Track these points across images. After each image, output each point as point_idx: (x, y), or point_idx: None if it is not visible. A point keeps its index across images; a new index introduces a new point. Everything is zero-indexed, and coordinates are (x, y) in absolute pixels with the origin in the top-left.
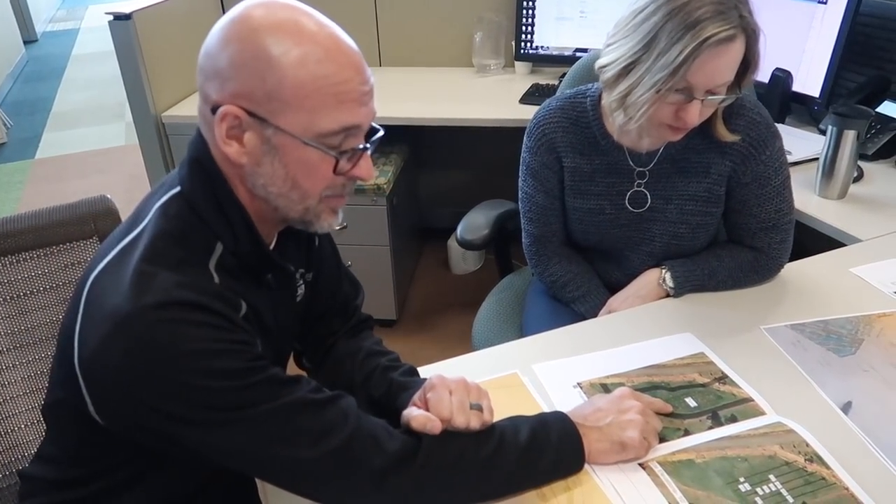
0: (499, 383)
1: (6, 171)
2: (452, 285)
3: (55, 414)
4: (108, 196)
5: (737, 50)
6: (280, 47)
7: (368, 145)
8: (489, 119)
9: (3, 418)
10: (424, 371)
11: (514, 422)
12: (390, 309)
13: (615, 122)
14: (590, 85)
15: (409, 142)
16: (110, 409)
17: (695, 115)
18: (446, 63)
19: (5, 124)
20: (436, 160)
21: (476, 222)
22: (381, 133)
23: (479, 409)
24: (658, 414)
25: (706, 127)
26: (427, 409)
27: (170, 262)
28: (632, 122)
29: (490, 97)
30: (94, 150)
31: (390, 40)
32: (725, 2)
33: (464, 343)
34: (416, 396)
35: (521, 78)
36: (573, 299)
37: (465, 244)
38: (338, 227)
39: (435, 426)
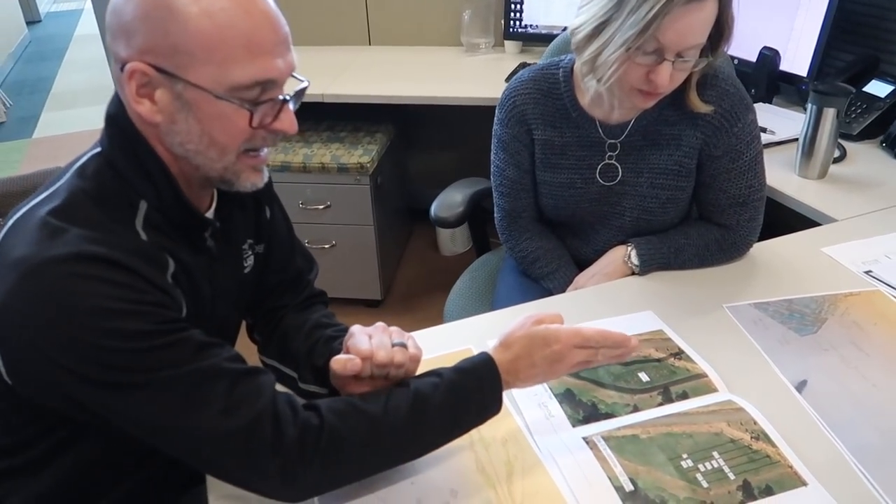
0: (451, 358)
1: (3, 151)
2: (441, 266)
3: None
4: (63, 167)
5: (709, 9)
6: None
7: (288, 96)
8: (477, 98)
9: None
10: None
11: (431, 379)
12: (375, 289)
13: (587, 89)
14: (563, 56)
15: (398, 122)
16: (18, 367)
17: (665, 76)
18: (436, 42)
19: (4, 104)
20: (426, 141)
21: (451, 200)
22: (304, 84)
23: (403, 346)
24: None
25: (678, 98)
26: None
27: (83, 220)
28: (601, 83)
29: (479, 76)
30: (91, 130)
31: (380, 19)
32: None
33: None
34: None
35: (511, 57)
36: (542, 275)
37: (439, 222)
38: (262, 185)
39: (355, 364)
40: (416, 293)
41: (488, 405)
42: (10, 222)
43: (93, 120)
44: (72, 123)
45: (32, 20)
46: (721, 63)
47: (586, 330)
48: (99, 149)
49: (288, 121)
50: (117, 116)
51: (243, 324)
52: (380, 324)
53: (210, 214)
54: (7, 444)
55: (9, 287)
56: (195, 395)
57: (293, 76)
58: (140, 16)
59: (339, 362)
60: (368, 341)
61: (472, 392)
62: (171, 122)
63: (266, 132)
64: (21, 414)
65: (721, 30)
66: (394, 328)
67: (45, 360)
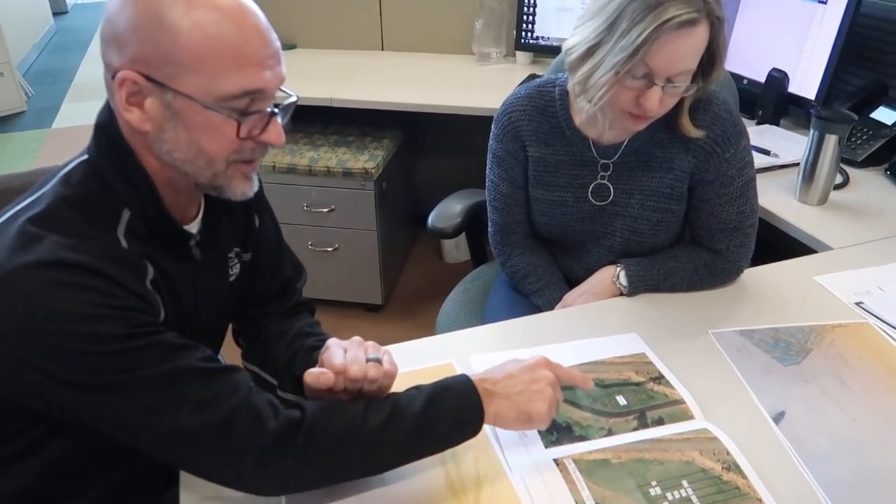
0: (431, 373)
1: (23, 139)
2: (443, 274)
3: None
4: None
5: (699, 35)
6: (175, 9)
7: (276, 110)
8: (486, 108)
9: None
10: None
11: (411, 391)
12: (376, 294)
13: (580, 109)
14: (560, 74)
15: (406, 128)
16: None
17: (654, 101)
18: (448, 50)
19: (26, 93)
20: (434, 148)
21: (450, 210)
22: (293, 99)
23: (378, 361)
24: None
25: (672, 121)
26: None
27: (61, 227)
28: (592, 104)
29: (489, 86)
30: None
31: (393, 25)
32: None
33: None
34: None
35: (522, 68)
36: (532, 292)
37: (436, 232)
38: (251, 194)
39: (327, 378)
40: (417, 299)
41: (466, 415)
42: None
43: None
44: (91, 115)
45: (59, 11)
46: (716, 88)
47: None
48: (86, 156)
49: (275, 133)
50: (107, 125)
51: (229, 329)
52: (356, 338)
53: (196, 222)
54: None
55: None
56: (168, 394)
57: (281, 90)
58: (133, 26)
59: (312, 375)
60: (343, 355)
61: (450, 399)
62: (159, 130)
63: (254, 143)
64: None
65: (713, 56)
66: (370, 343)
67: (20, 364)
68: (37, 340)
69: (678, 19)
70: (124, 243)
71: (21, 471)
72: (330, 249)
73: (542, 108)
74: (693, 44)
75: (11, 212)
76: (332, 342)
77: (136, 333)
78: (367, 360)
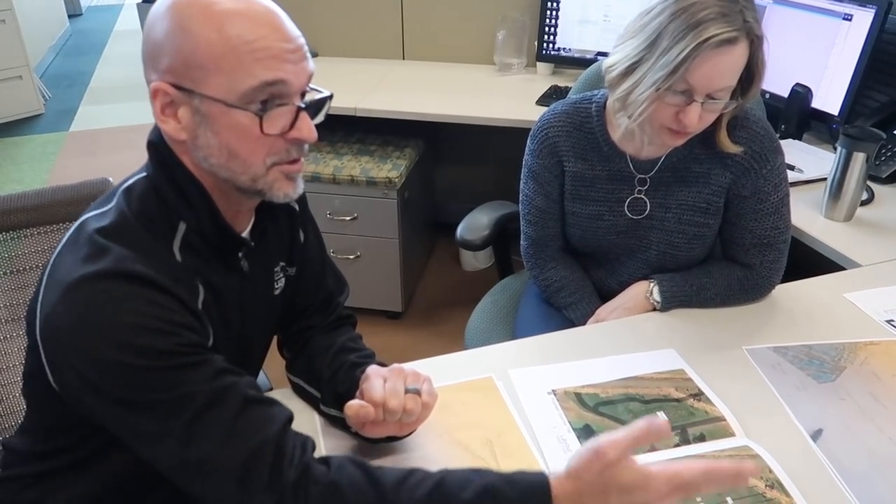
0: (472, 386)
1: (41, 142)
2: (461, 281)
3: (28, 386)
4: (111, 179)
5: (738, 53)
6: (194, 16)
7: (303, 104)
8: (507, 119)
9: None
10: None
11: (469, 473)
12: (396, 301)
13: (619, 125)
14: (596, 91)
15: (427, 136)
16: (60, 375)
17: (694, 117)
18: (469, 60)
19: (44, 96)
20: (454, 157)
21: (478, 222)
22: (325, 94)
23: (417, 392)
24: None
25: (709, 137)
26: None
27: (125, 240)
28: (632, 120)
29: (509, 96)
30: (126, 126)
31: (415, 35)
32: (730, 5)
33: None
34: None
35: (542, 78)
36: (565, 305)
37: (464, 244)
38: (294, 196)
39: (368, 412)
40: (436, 307)
41: None
42: (64, 241)
43: (129, 116)
44: (108, 118)
45: (74, 13)
46: (751, 105)
47: (687, 471)
48: (145, 173)
49: (306, 129)
50: (157, 143)
51: (272, 343)
52: (395, 366)
53: (246, 234)
54: (48, 448)
55: (53, 300)
56: (204, 416)
57: (314, 88)
58: (161, 41)
59: (353, 409)
60: (382, 386)
61: (512, 494)
62: (193, 137)
63: (286, 142)
64: (62, 421)
65: (752, 73)
66: (410, 371)
67: (73, 372)
68: (88, 350)
69: (718, 38)
70: (179, 257)
71: (77, 481)
72: (352, 257)
73: (580, 124)
74: (732, 62)
75: (85, 216)
76: (372, 371)
77: (186, 352)
78: (406, 391)
